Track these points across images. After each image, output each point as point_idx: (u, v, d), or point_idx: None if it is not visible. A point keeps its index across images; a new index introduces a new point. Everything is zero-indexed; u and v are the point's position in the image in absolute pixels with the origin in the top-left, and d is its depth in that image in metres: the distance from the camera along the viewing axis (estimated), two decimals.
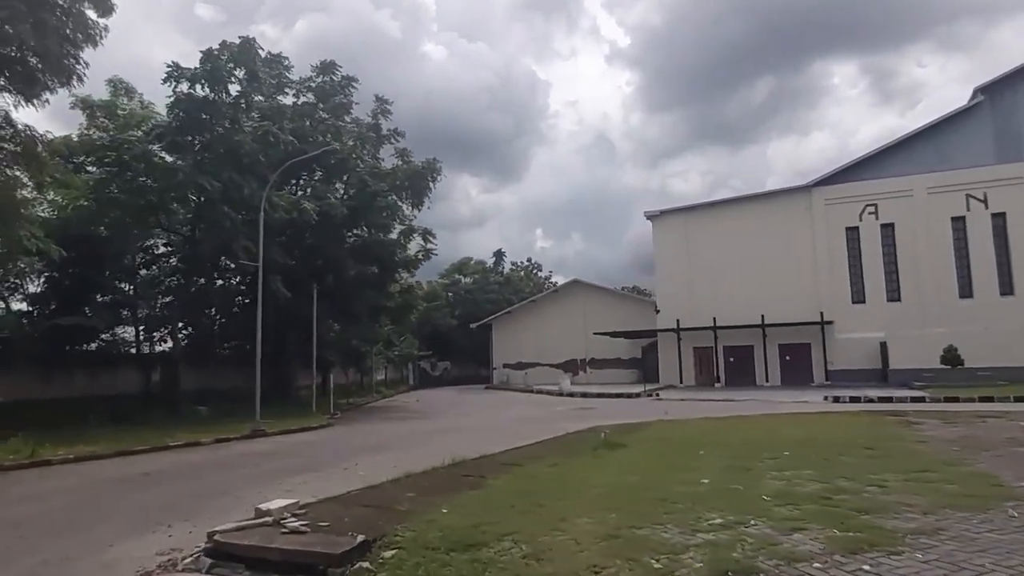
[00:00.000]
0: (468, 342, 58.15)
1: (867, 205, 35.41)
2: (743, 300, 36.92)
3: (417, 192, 28.61)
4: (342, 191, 28.18)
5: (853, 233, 35.87)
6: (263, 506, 6.69)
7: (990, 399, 22.18)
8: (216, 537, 6.02)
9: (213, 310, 27.05)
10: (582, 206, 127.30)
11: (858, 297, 35.54)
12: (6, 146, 16.35)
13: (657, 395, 31.55)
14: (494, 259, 65.18)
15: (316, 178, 28.95)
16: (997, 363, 29.07)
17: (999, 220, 32.92)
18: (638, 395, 31.75)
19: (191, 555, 6.09)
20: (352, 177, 27.84)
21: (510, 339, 50.29)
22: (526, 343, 49.19)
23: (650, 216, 40.98)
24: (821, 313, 35.13)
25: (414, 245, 28.53)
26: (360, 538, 5.63)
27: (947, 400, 22.58)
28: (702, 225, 39.23)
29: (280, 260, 24.41)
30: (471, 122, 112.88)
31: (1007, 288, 32.59)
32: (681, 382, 38.25)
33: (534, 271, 73.35)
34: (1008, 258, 32.63)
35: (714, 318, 37.25)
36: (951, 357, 29.60)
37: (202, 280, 25.25)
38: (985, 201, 33.06)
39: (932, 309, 33.34)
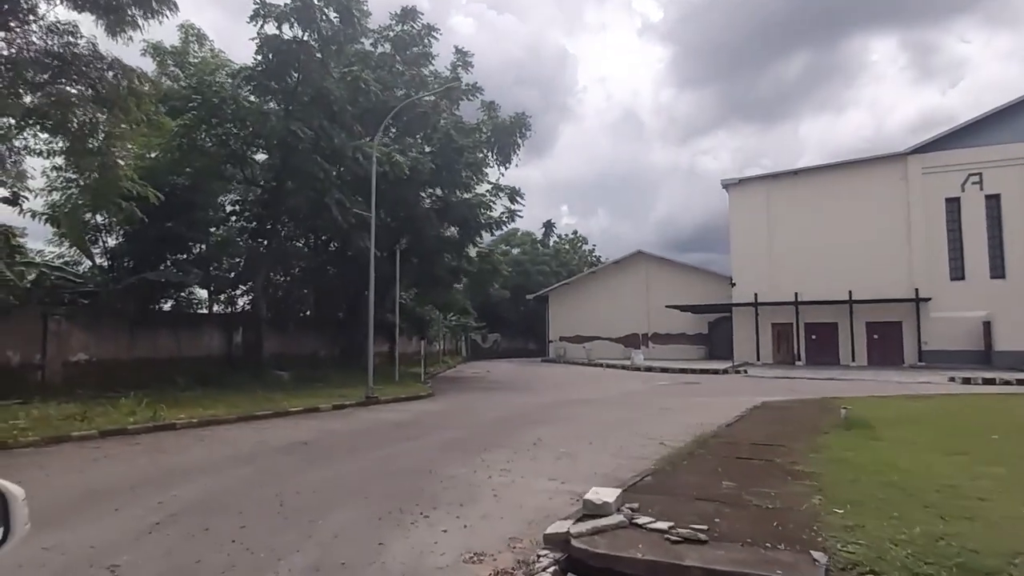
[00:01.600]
0: (518, 314, 56.58)
1: (971, 174, 33.00)
2: (827, 275, 34.85)
3: (504, 149, 26.70)
4: (424, 147, 26.34)
5: (953, 204, 33.53)
6: (592, 497, 5.03)
7: None
8: (573, 543, 4.38)
9: (297, 270, 25.53)
10: (609, 183, 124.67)
11: (957, 274, 33.30)
12: (104, 77, 14.67)
13: (745, 371, 29.81)
14: (543, 230, 63.20)
15: (393, 133, 27.15)
16: None
17: None
18: (725, 371, 30.00)
19: (536, 564, 4.44)
20: (435, 132, 25.96)
21: (567, 312, 48.57)
22: (584, 316, 47.45)
23: (727, 184, 38.82)
24: (916, 290, 32.99)
25: (499, 206, 26.70)
26: (823, 558, 3.95)
27: None
28: (784, 194, 37.03)
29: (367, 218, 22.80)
30: (498, 96, 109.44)
31: None
32: (758, 359, 36.39)
33: (580, 244, 71.34)
34: None
35: (796, 293, 35.24)
36: None
37: (285, 237, 23.69)
38: None
39: None
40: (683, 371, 30.40)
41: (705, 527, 4.55)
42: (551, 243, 64.73)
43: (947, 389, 19.97)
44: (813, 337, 36.03)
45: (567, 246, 68.47)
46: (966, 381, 22.97)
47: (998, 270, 32.56)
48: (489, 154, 26.76)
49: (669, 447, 9.38)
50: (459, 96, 27.52)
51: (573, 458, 8.74)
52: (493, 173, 27.48)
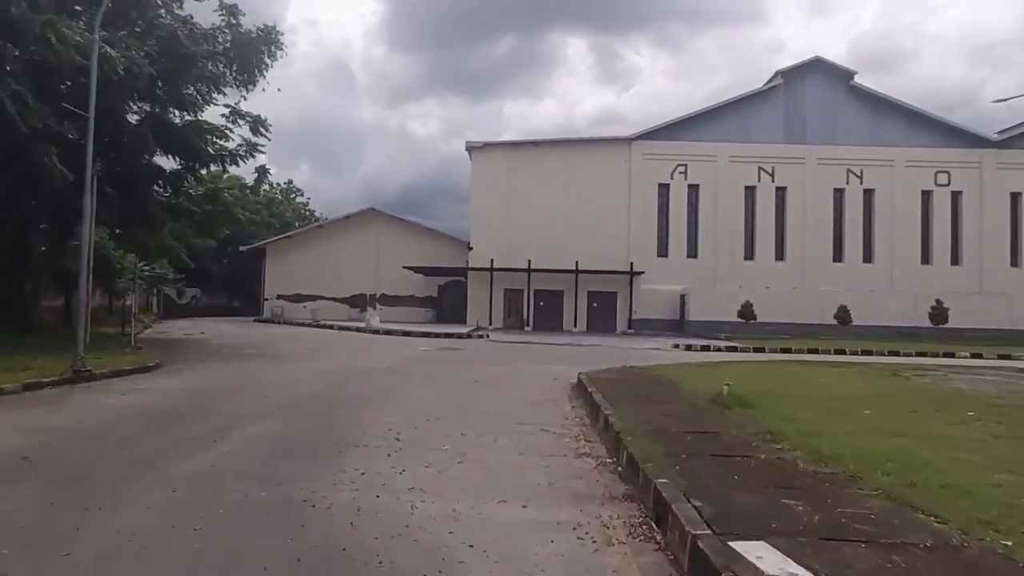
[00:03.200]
0: (221, 267, 49.68)
1: (678, 165, 37.30)
2: (558, 245, 36.60)
3: (247, 67, 21.91)
4: (138, 46, 20.26)
5: (664, 189, 37.62)
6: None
7: (815, 351, 24.56)
8: None
9: None
10: (313, 134, 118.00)
11: (662, 251, 37.56)
12: None
13: (487, 335, 29.66)
14: (256, 176, 56.08)
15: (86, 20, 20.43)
16: (780, 319, 32.96)
17: (782, 193, 37.16)
18: (468, 335, 29.49)
19: None
20: (154, 29, 20.10)
21: (287, 267, 43.78)
22: (306, 273, 43.27)
23: (472, 147, 38.26)
24: (631, 263, 36.38)
25: (236, 136, 21.80)
26: None
27: (778, 351, 24.53)
28: (524, 164, 37.80)
29: (55, 127, 16.74)
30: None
31: (780, 254, 37.14)
32: (490, 323, 36.85)
33: (294, 196, 65.53)
34: (783, 228, 37.12)
35: (529, 260, 36.32)
36: (747, 312, 32.75)
37: None
38: (772, 175, 37.01)
39: (723, 267, 36.62)
40: (430, 335, 29.04)
41: None
42: (262, 191, 58.06)
43: (687, 356, 21.80)
44: (541, 304, 37.66)
45: (279, 196, 62.37)
46: (688, 348, 25.62)
47: (693, 251, 37.49)
48: (228, 70, 21.81)
49: (570, 437, 7.77)
50: None
51: (473, 458, 6.59)
52: (232, 96, 22.47)
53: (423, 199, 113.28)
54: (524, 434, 7.80)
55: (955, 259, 36.52)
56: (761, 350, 24.63)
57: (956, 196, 36.57)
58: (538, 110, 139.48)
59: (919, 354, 23.23)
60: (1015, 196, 36.40)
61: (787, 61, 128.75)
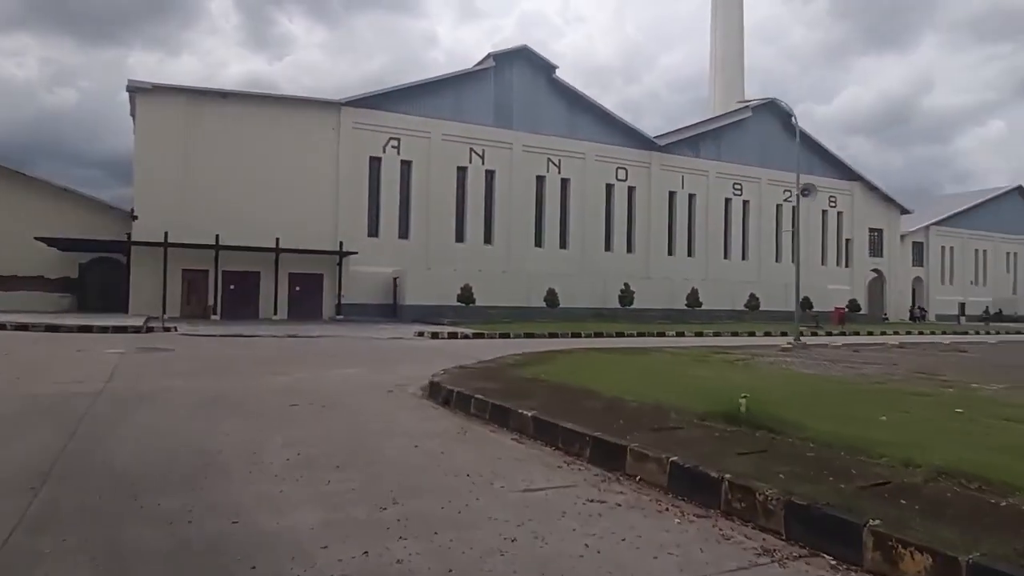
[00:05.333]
0: None
1: (391, 138, 34.56)
2: (255, 218, 31.02)
3: None
4: None
5: (376, 163, 34.54)
6: None
7: (578, 334, 24.32)
8: None
9: None
10: None
11: (373, 231, 34.52)
12: None
13: (175, 328, 23.28)
14: None
15: None
16: (494, 302, 32.76)
17: (491, 176, 37.07)
18: (148, 328, 22.69)
19: None
20: None
21: None
22: None
23: (135, 88, 29.99)
24: (341, 243, 32.60)
25: None
26: None
27: (546, 336, 23.70)
28: (209, 118, 31.03)
29: None
30: None
31: (488, 238, 37.10)
32: (164, 312, 29.46)
33: None
34: (492, 212, 37.12)
35: (217, 236, 30.04)
36: (467, 296, 31.78)
37: None
38: (483, 157, 36.68)
39: (435, 249, 35.14)
40: (92, 329, 21.44)
41: None
42: None
43: (451, 345, 19.42)
44: (232, 287, 31.57)
45: None
46: (434, 336, 23.22)
47: (404, 231, 35.24)
48: None
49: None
50: None
51: None
52: None
53: (20, 158, 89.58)
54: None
55: (630, 247, 40.85)
56: (507, 335, 23.55)
57: (631, 191, 40.88)
58: (173, 67, 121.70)
59: (678, 334, 26.34)
60: (672, 194, 42.15)
61: (440, 57, 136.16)
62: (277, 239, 30.88)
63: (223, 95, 31.63)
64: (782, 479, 4.35)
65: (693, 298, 36.98)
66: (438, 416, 7.86)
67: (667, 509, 4.44)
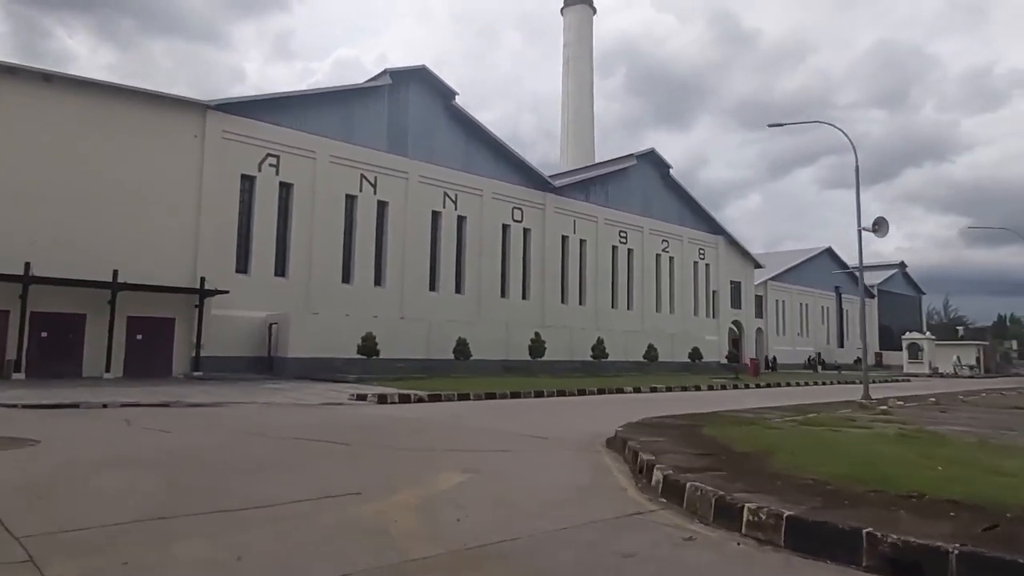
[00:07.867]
0: None
1: (269, 154, 28.43)
2: (84, 244, 23.44)
3: None
4: None
5: (249, 183, 28.13)
6: None
7: (517, 394, 19.98)
8: None
9: None
10: None
11: (242, 266, 27.86)
12: None
13: None
14: None
15: None
16: (398, 354, 27.69)
17: (383, 208, 32.10)
18: None
19: None
20: None
21: None
22: None
23: None
24: (202, 279, 25.65)
25: None
26: None
27: (514, 395, 19.19)
28: (20, 105, 23.04)
29: None
30: None
31: (379, 279, 31.89)
32: None
33: None
34: (384, 249, 32.04)
35: (27, 264, 21.99)
36: (370, 347, 26.33)
37: None
38: (375, 185, 31.69)
39: (318, 290, 29.24)
40: None
41: None
42: None
43: (400, 411, 14.46)
44: (45, 335, 23.22)
45: None
46: (361, 397, 17.86)
47: (281, 268, 29.01)
48: None
49: None
50: None
51: None
52: None
53: None
54: None
55: (524, 294, 37.72)
56: (479, 397, 18.60)
57: (527, 233, 38.04)
58: None
59: (635, 389, 22.28)
60: (564, 239, 40.02)
61: (248, 92, 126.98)
62: (115, 271, 23.33)
63: (45, 77, 23.69)
64: None
65: (599, 349, 34.58)
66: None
67: None
